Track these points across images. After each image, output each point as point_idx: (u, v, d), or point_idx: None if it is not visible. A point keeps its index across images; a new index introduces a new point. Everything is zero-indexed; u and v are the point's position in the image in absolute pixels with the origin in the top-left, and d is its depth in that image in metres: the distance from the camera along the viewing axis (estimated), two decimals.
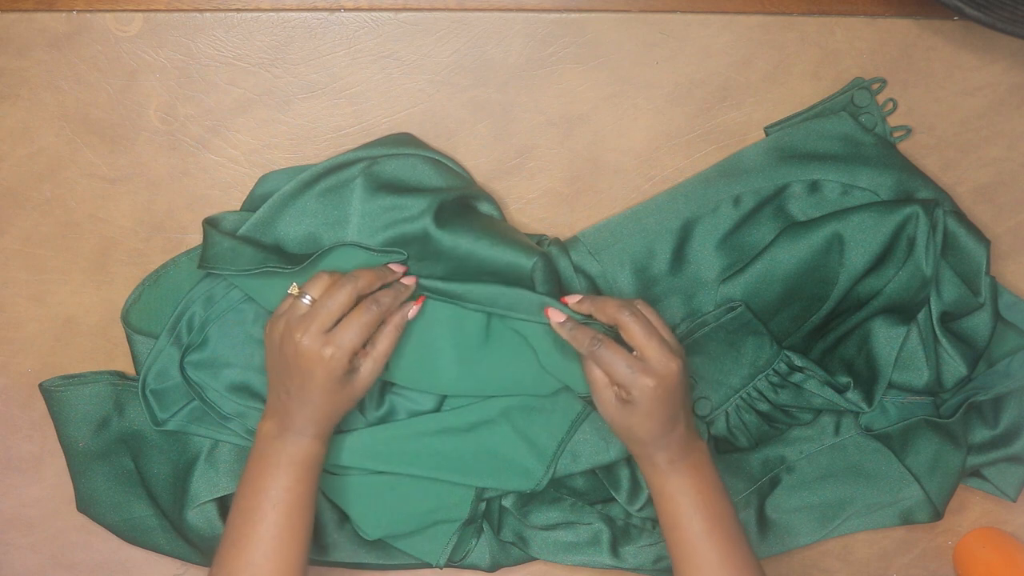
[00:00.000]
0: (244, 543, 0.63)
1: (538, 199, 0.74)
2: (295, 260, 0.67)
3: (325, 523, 0.74)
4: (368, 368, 0.65)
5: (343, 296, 0.63)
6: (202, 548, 0.73)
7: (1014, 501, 0.78)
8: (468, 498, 0.73)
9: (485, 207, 0.72)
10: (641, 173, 0.73)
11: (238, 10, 0.69)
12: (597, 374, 0.64)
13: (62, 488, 0.76)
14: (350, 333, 0.63)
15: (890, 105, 0.73)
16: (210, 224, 0.70)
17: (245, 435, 0.71)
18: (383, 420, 0.71)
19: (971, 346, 0.73)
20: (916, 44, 0.72)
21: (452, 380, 0.70)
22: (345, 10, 0.69)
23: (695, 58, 0.71)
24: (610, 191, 0.74)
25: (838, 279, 0.72)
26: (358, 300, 0.64)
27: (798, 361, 0.72)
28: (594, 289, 0.73)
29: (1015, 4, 0.65)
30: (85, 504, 0.75)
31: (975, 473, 0.78)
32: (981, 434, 0.76)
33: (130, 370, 0.74)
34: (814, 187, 0.72)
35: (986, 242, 0.72)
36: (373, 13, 0.69)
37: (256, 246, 0.68)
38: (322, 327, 0.62)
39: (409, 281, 0.67)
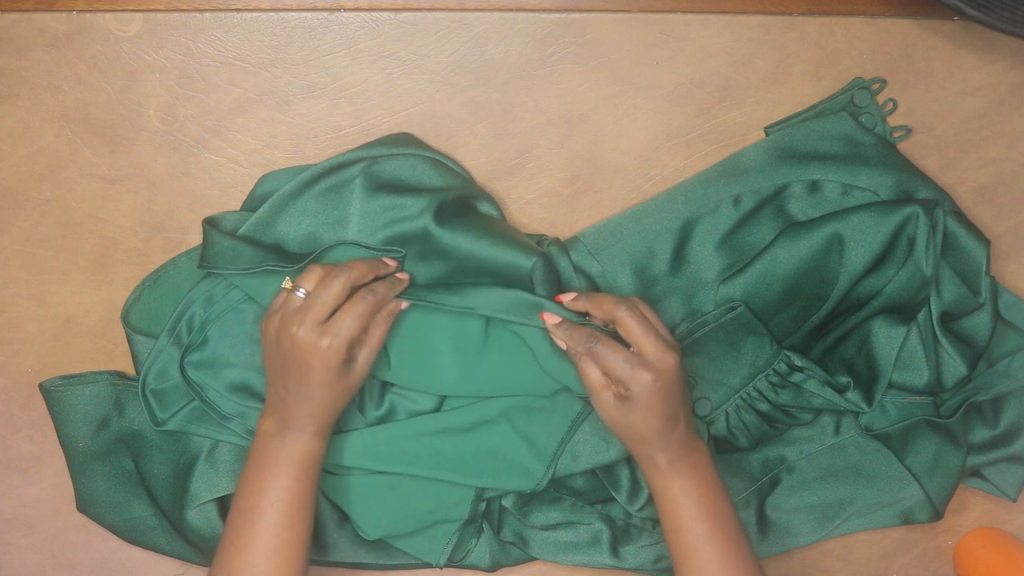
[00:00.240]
0: (244, 543, 0.63)
1: (538, 199, 0.74)
2: (295, 259, 0.67)
3: (325, 523, 0.74)
4: (364, 356, 0.65)
5: (337, 287, 0.63)
6: (202, 548, 0.73)
7: (1014, 501, 0.78)
8: (468, 498, 0.73)
9: (485, 207, 0.72)
10: (641, 173, 0.73)
11: (238, 10, 0.69)
12: (593, 377, 0.64)
13: (62, 488, 0.76)
14: (347, 322, 0.62)
15: (890, 105, 0.73)
16: (210, 224, 0.70)
17: (245, 435, 0.71)
18: (383, 420, 0.72)
19: (971, 346, 0.73)
20: (916, 44, 0.72)
21: (452, 381, 0.70)
22: (345, 10, 0.69)
23: (695, 58, 0.71)
24: (610, 191, 0.74)
25: (838, 279, 0.72)
26: (352, 291, 0.64)
27: (798, 361, 0.72)
28: (594, 289, 0.73)
29: (1015, 4, 0.65)
30: (85, 504, 0.75)
31: (975, 473, 0.78)
32: (981, 434, 0.76)
33: (130, 370, 0.74)
34: (814, 187, 0.72)
35: (986, 242, 0.72)
36: (373, 13, 0.69)
37: (256, 246, 0.68)
38: (317, 318, 0.62)
39: (404, 276, 0.67)
